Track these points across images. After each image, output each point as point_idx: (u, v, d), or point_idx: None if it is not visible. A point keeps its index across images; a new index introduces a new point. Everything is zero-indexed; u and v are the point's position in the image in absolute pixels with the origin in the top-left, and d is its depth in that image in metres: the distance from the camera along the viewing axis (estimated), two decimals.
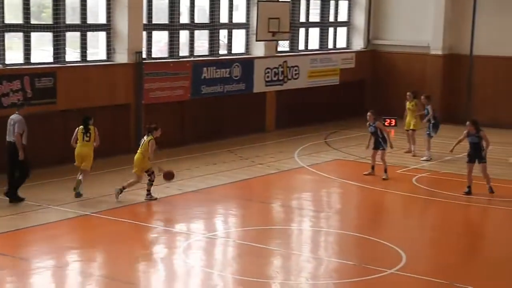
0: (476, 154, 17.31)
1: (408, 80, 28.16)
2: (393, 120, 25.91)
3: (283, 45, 25.81)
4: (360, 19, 29.04)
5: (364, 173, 18.99)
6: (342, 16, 28.96)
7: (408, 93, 21.94)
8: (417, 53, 28.09)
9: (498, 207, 16.65)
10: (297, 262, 12.91)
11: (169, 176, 16.24)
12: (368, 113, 18.85)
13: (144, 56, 21.25)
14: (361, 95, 29.10)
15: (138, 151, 16.25)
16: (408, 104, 21.79)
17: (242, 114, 24.38)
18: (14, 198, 15.72)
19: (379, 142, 18.76)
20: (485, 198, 17.19)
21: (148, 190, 16.23)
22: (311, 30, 27.78)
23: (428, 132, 21.14)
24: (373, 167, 18.96)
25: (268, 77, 24.96)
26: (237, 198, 17.08)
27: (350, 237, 14.46)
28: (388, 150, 18.96)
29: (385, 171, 18.67)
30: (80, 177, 16.28)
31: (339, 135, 24.99)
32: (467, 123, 17.48)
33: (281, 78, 25.45)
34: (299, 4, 26.92)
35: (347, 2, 28.98)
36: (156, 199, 16.25)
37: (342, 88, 27.96)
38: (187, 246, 13.49)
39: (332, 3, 28.46)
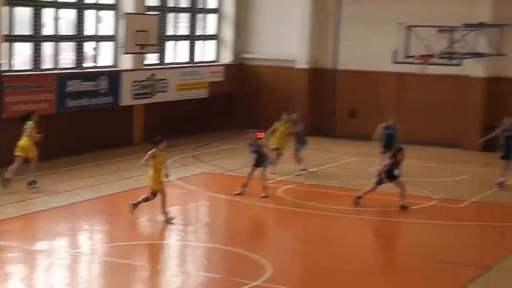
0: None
1: (275, 94, 28.59)
2: (262, 133, 26.08)
3: (151, 58, 25.62)
4: (228, 33, 29.25)
5: (235, 192, 18.39)
6: (211, 30, 29.07)
7: (284, 115, 21.24)
8: (284, 67, 28.55)
9: (362, 217, 17.06)
10: (164, 277, 12.76)
11: None
12: (253, 132, 18.79)
13: (5, 68, 20.50)
14: (229, 108, 29.28)
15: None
16: (281, 125, 21.09)
17: (109, 128, 23.96)
18: None
19: (262, 160, 18.67)
20: (350, 209, 17.56)
21: (139, 203, 16.06)
22: (179, 43, 27.72)
23: (297, 147, 21.27)
24: (246, 185, 18.47)
25: (136, 90, 24.66)
26: (103, 213, 16.73)
27: (218, 251, 14.45)
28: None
29: (265, 188, 18.34)
30: None
31: (208, 148, 25.01)
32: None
33: (149, 91, 25.19)
34: (167, 17, 26.81)
35: (215, 15, 29.12)
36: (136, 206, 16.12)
37: (211, 101, 28.03)
38: (49, 264, 13.05)
39: (200, 16, 28.53)
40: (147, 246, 14.52)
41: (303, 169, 21.05)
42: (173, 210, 17.27)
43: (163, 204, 15.95)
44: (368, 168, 22.21)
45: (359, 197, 17.74)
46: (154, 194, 16.00)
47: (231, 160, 22.58)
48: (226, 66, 28.94)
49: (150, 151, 16.02)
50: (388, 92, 27.28)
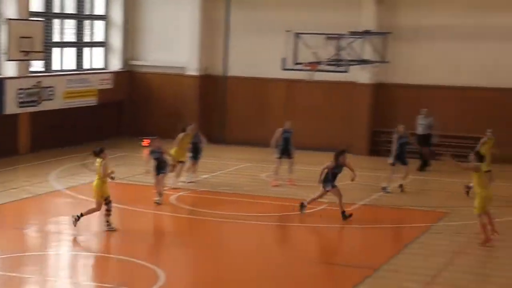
0: None
1: (165, 101, 28.49)
2: (150, 140, 25.85)
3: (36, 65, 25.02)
4: (116, 40, 28.93)
5: (156, 200, 18.29)
6: (99, 36, 28.67)
7: (190, 127, 20.88)
8: (174, 74, 28.49)
9: (255, 223, 17.18)
10: None
11: None
12: (153, 140, 18.58)
13: None
14: (119, 116, 28.94)
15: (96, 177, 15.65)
16: (185, 137, 20.53)
17: None
18: None
19: (162, 167, 18.54)
20: (243, 214, 17.65)
21: (107, 221, 15.65)
22: (66, 50, 27.20)
23: (193, 156, 21.04)
24: (160, 193, 18.37)
25: (21, 98, 24.00)
26: None
27: (110, 260, 14.25)
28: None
29: (160, 194, 18.29)
30: None
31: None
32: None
33: (35, 99, 24.57)
34: (53, 23, 26.26)
35: (103, 22, 28.74)
36: (115, 230, 15.68)
37: (100, 109, 27.63)
38: None
39: (87, 23, 28.09)
40: (35, 257, 14.14)
41: (191, 182, 20.75)
42: (62, 220, 16.92)
43: (88, 212, 15.81)
44: (260, 173, 22.47)
45: (303, 205, 17.67)
46: (109, 202, 15.79)
47: (121, 168, 22.29)
48: (115, 73, 28.61)
49: (103, 164, 15.63)
50: (278, 99, 27.67)
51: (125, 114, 29.09)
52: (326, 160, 24.13)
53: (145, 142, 25.80)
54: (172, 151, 19.76)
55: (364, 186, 21.06)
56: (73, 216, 15.69)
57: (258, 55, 27.36)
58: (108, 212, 15.82)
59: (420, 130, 23.91)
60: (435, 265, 14.22)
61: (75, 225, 15.60)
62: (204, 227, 16.90)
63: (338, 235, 16.63)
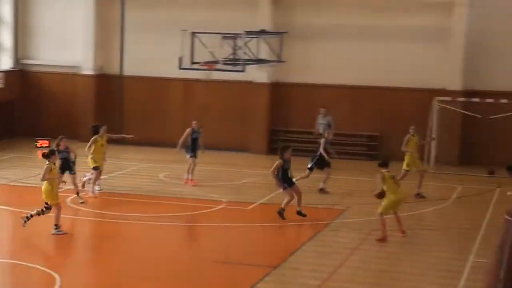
0: None
1: (60, 101, 27.98)
2: (46, 141, 25.36)
3: None
4: (6, 38, 28.15)
5: (80, 201, 18.22)
6: None
7: (103, 128, 19.84)
8: (69, 73, 27.97)
9: (156, 223, 17.06)
10: None
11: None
12: (61, 141, 18.18)
13: None
14: (11, 116, 28.16)
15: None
16: (99, 140, 19.53)
17: None
18: None
19: (69, 168, 18.20)
20: (141, 215, 17.50)
21: (29, 216, 15.54)
22: None
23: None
24: (78, 193, 18.34)
25: None
26: None
27: (3, 264, 13.87)
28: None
29: (78, 194, 18.33)
30: None
31: None
32: None
33: None
34: None
35: None
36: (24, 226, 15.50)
37: None
38: None
39: None
40: None
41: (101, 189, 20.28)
42: None
43: (57, 218, 15.59)
44: (159, 174, 22.34)
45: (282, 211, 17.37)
46: (48, 207, 15.55)
47: (16, 170, 21.74)
48: (6, 72, 27.82)
49: (45, 166, 15.51)
50: (176, 99, 27.59)
51: (17, 114, 28.33)
52: (224, 159, 24.39)
53: (40, 143, 25.25)
54: (90, 158, 19.07)
55: (262, 185, 21.26)
56: (27, 218, 15.66)
57: (155, 54, 27.17)
58: (41, 212, 15.67)
59: (320, 129, 24.34)
60: (332, 261, 14.50)
61: (53, 234, 15.53)
62: (102, 229, 16.68)
63: (237, 234, 16.72)
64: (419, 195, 19.93)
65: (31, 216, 15.70)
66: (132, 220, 17.13)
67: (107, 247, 15.34)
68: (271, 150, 26.48)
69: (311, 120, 25.25)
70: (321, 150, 20.31)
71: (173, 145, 21.35)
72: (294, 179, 17.58)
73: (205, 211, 18.09)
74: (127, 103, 27.88)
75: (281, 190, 17.54)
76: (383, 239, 15.81)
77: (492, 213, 18.36)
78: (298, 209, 17.42)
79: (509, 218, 13.32)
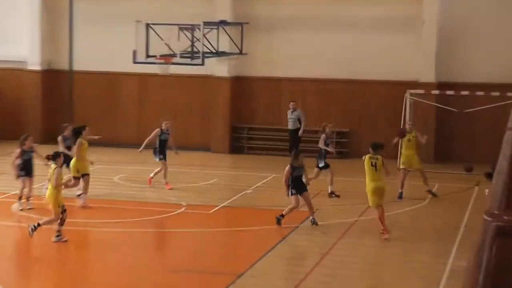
0: None
1: (4, 99, 27.26)
2: None
3: None
4: None
5: (28, 207, 17.65)
6: None
7: (86, 130, 19.75)
8: (13, 69, 27.27)
9: (112, 230, 16.49)
10: None
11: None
12: (27, 139, 17.54)
13: None
14: None
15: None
16: (83, 142, 19.18)
17: None
18: None
19: (31, 170, 17.63)
20: (96, 221, 16.96)
21: (58, 231, 14.96)
22: None
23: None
24: (28, 198, 17.66)
25: None
26: None
27: None
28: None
29: (28, 198, 17.70)
30: None
31: None
32: None
33: None
34: None
35: None
36: (66, 241, 15.01)
37: None
38: None
39: None
40: None
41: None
42: None
43: (46, 222, 15.20)
44: (113, 176, 21.78)
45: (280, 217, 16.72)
46: (64, 210, 15.04)
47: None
48: None
49: (56, 170, 14.97)
50: (130, 94, 27.00)
51: None
52: (184, 159, 23.78)
53: None
54: (72, 164, 18.42)
55: (224, 187, 20.78)
56: (31, 225, 15.14)
57: (107, 47, 26.58)
58: (62, 221, 15.07)
59: (290, 124, 23.89)
60: (302, 268, 14.11)
61: (31, 236, 15.03)
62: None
63: (199, 240, 16.24)
64: (430, 192, 19.62)
65: (58, 231, 15.12)
66: (86, 227, 16.67)
67: (56, 256, 14.77)
68: (234, 148, 25.99)
69: (276, 116, 24.80)
70: (323, 146, 19.58)
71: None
72: (308, 185, 16.93)
73: (163, 215, 17.58)
74: (77, 100, 27.24)
75: (288, 196, 16.65)
76: (385, 232, 15.53)
77: (470, 213, 18.06)
78: (311, 217, 16.70)
79: (488, 219, 12.96)
